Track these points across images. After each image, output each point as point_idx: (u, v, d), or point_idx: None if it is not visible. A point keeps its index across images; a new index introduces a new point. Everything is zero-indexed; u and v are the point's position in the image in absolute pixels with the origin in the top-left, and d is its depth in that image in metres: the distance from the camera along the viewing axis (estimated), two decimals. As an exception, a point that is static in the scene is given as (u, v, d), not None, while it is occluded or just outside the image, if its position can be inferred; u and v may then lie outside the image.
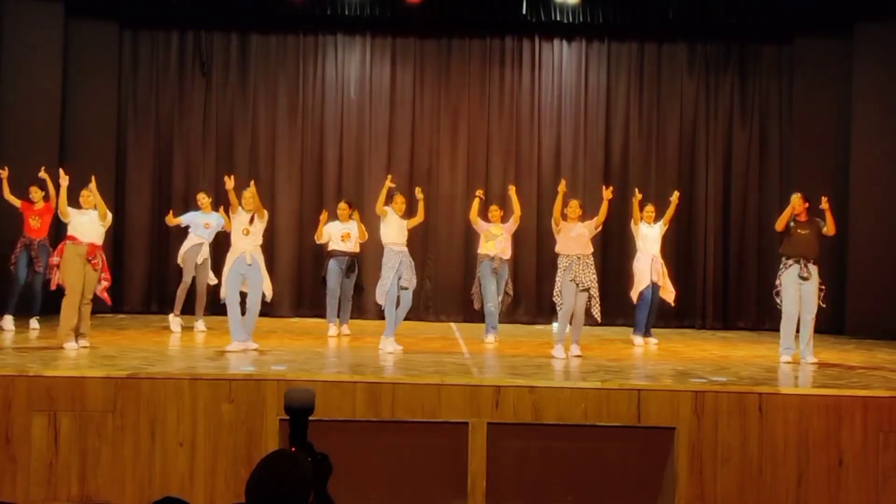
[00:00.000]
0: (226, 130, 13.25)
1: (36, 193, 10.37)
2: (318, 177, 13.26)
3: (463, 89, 13.29)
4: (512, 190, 10.76)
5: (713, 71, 13.29)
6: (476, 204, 10.60)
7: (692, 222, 13.05)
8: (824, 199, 9.13)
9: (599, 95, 13.37)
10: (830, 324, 11.68)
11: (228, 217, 9.46)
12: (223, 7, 12.91)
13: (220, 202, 10.52)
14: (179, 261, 10.86)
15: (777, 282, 9.10)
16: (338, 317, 10.71)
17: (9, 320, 10.25)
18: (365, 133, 13.28)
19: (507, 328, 11.58)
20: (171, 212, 11.26)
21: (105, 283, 8.84)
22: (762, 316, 12.61)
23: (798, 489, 6.85)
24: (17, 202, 10.38)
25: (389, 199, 9.35)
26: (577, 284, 8.91)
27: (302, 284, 13.07)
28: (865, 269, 12.10)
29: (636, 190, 10.66)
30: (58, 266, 8.65)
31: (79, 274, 8.52)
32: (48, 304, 10.36)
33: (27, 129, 11.91)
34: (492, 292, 10.43)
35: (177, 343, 9.72)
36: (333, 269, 10.61)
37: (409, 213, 9.68)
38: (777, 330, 9.19)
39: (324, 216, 10.84)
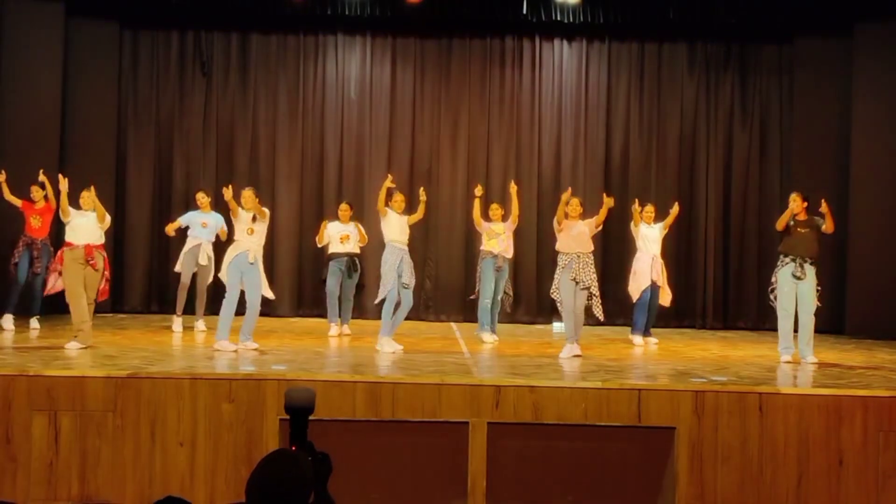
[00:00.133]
0: (226, 130, 13.24)
1: (37, 192, 10.34)
2: (318, 176, 13.25)
3: (463, 89, 13.28)
4: (513, 187, 10.73)
5: (713, 71, 13.27)
6: (477, 204, 10.58)
7: (692, 222, 13.03)
8: (823, 202, 9.07)
9: (600, 95, 13.36)
10: (830, 324, 11.69)
11: (231, 225, 9.36)
12: (223, 7, 12.90)
13: (220, 202, 10.47)
14: (177, 268, 10.78)
15: (773, 279, 9.10)
16: (339, 316, 10.72)
17: (9, 320, 10.24)
18: (365, 133, 13.26)
19: (507, 328, 11.57)
20: (169, 223, 11.08)
21: (104, 284, 8.89)
22: (762, 316, 12.56)
23: (798, 489, 6.86)
24: (17, 202, 10.37)
25: (389, 198, 9.38)
26: (577, 283, 8.91)
27: (302, 284, 13.05)
28: (866, 269, 12.07)
29: (636, 200, 10.68)
30: (59, 273, 8.78)
31: (78, 277, 8.62)
32: (48, 304, 10.37)
33: (27, 129, 11.88)
34: (489, 289, 10.44)
35: (177, 343, 9.73)
36: (333, 271, 10.61)
37: (409, 209, 9.71)
38: (777, 329, 9.19)
39: (324, 225, 10.77)
